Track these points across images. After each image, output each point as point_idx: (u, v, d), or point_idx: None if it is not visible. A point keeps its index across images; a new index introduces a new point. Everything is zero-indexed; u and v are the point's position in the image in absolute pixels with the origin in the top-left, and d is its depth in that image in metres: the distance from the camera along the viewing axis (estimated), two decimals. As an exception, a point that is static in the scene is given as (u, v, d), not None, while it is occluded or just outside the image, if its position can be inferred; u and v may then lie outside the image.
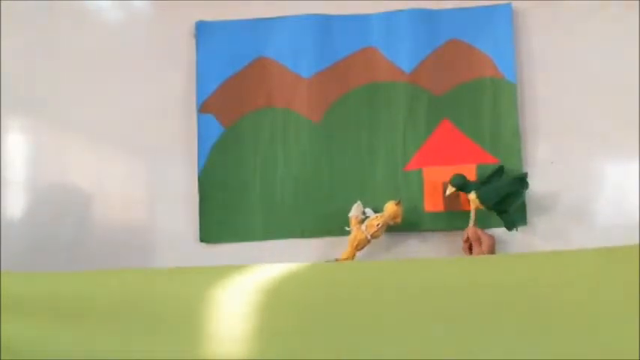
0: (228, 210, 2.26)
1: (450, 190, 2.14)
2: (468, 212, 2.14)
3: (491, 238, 2.08)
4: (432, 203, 2.20)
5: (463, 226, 2.15)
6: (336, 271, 1.55)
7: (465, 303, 1.35)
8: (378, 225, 2.11)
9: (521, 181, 2.12)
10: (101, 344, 1.38)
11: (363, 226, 2.13)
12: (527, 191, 2.16)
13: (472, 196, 2.12)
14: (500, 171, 2.16)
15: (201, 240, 2.24)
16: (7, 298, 1.38)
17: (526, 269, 1.40)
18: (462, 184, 2.14)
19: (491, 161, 2.23)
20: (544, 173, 2.23)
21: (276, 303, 1.39)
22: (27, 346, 1.38)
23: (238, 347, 1.35)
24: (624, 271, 1.31)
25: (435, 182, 2.20)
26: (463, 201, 2.19)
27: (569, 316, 1.31)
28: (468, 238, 2.10)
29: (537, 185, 2.21)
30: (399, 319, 1.36)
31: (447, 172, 2.19)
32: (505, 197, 2.10)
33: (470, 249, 2.11)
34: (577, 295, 1.32)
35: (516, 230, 2.14)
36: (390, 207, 2.14)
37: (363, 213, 2.16)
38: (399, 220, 2.14)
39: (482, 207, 2.12)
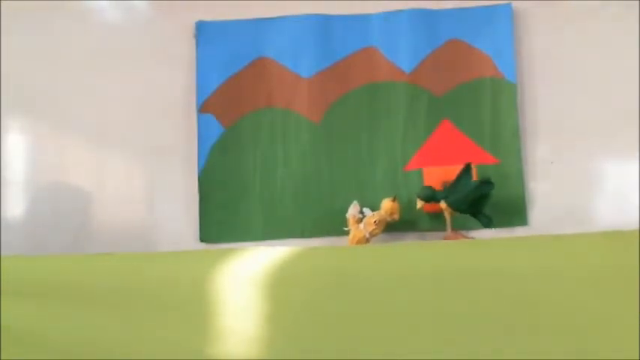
0: (228, 210, 2.26)
1: (420, 203, 2.15)
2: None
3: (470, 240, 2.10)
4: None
5: (462, 227, 2.16)
6: (335, 253, 1.56)
7: (466, 287, 1.36)
8: (375, 222, 2.11)
9: (487, 183, 2.12)
10: (101, 326, 1.39)
11: (361, 225, 2.13)
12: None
13: (443, 204, 2.13)
14: (468, 170, 2.15)
15: (201, 240, 2.24)
16: (7, 281, 1.39)
17: (526, 253, 1.41)
18: (431, 196, 2.14)
19: (492, 161, 2.23)
20: (544, 173, 2.23)
21: (278, 285, 1.40)
22: (27, 328, 1.39)
23: (240, 326, 1.36)
24: (624, 254, 1.32)
25: (435, 182, 2.19)
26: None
27: (568, 300, 1.32)
28: None
29: (537, 185, 2.22)
30: (402, 301, 1.37)
31: (447, 172, 2.19)
32: (474, 201, 2.11)
33: None
34: (576, 278, 1.33)
35: (493, 228, 2.13)
36: (386, 203, 2.14)
37: (361, 212, 2.16)
38: (396, 216, 2.14)
39: (455, 213, 2.13)
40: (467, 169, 2.14)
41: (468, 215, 2.14)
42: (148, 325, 1.39)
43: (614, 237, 1.38)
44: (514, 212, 2.20)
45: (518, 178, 2.22)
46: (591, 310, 1.31)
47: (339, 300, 1.39)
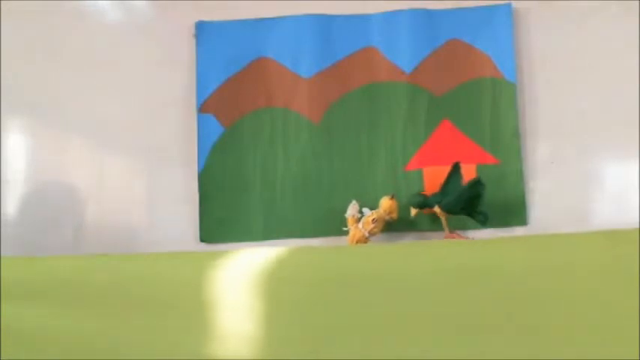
0: (228, 210, 2.26)
1: (414, 211, 2.15)
2: (468, 213, 2.15)
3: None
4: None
5: (462, 227, 2.16)
6: (333, 253, 1.56)
7: (466, 286, 1.36)
8: (373, 220, 2.11)
9: (477, 183, 2.11)
10: (101, 327, 1.39)
11: (360, 224, 2.13)
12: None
13: (437, 209, 2.13)
14: (456, 169, 2.14)
15: (202, 240, 2.24)
16: (7, 281, 1.39)
17: (525, 252, 1.41)
18: (423, 203, 2.14)
19: (492, 161, 2.23)
20: (544, 173, 2.23)
21: (275, 285, 1.40)
22: (26, 329, 1.39)
23: (239, 327, 1.36)
24: (624, 254, 1.32)
25: (435, 182, 2.19)
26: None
27: (567, 300, 1.32)
28: None
29: (537, 185, 2.22)
30: (398, 303, 1.37)
31: (447, 172, 2.18)
32: (467, 202, 2.11)
33: None
34: (575, 277, 1.33)
35: (491, 227, 2.13)
36: (385, 202, 2.14)
37: (360, 212, 2.16)
38: (394, 215, 2.14)
39: (450, 215, 2.13)
40: (455, 169, 2.14)
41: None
42: (147, 326, 1.39)
43: (613, 236, 1.38)
44: (514, 212, 2.20)
45: (518, 178, 2.22)
46: (591, 310, 1.31)
47: (338, 300, 1.39)
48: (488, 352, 1.31)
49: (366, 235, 2.12)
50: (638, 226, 1.83)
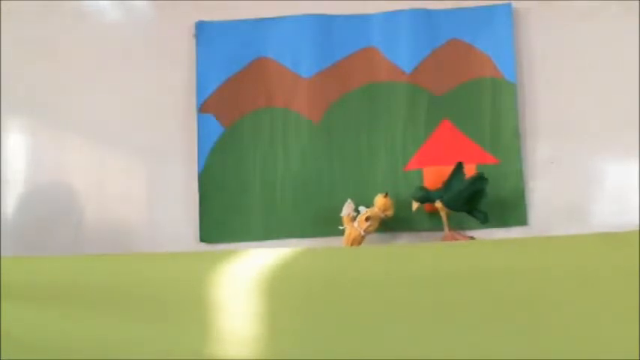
0: (228, 210, 2.26)
1: (415, 205, 2.14)
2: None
3: (468, 239, 2.10)
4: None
5: (461, 226, 2.15)
6: (333, 254, 1.57)
7: (465, 288, 1.36)
8: (367, 218, 2.11)
9: (481, 178, 2.11)
10: (101, 327, 1.40)
11: (355, 223, 2.13)
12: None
13: (439, 204, 2.13)
14: (459, 168, 2.14)
15: (202, 240, 2.24)
16: (7, 282, 1.39)
17: (525, 254, 1.41)
18: (425, 197, 2.14)
19: (492, 161, 2.23)
20: (544, 173, 2.23)
21: (274, 285, 1.40)
22: (27, 329, 1.39)
23: (239, 327, 1.36)
24: (623, 256, 1.32)
25: (435, 182, 2.19)
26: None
27: (567, 302, 1.32)
28: None
29: (537, 185, 2.22)
30: (397, 304, 1.37)
31: (447, 172, 2.18)
32: (469, 198, 2.11)
33: None
34: (575, 279, 1.34)
35: (490, 225, 2.13)
36: (378, 200, 2.14)
37: (356, 210, 2.16)
38: (390, 212, 2.14)
39: (451, 212, 2.13)
40: (459, 168, 2.14)
41: (464, 214, 2.13)
42: (148, 326, 1.39)
43: (613, 238, 1.39)
44: (514, 212, 2.20)
45: (518, 178, 2.22)
46: (591, 311, 1.31)
47: (338, 301, 1.39)
48: (488, 352, 1.31)
49: (362, 233, 2.12)
50: (637, 227, 1.83)
